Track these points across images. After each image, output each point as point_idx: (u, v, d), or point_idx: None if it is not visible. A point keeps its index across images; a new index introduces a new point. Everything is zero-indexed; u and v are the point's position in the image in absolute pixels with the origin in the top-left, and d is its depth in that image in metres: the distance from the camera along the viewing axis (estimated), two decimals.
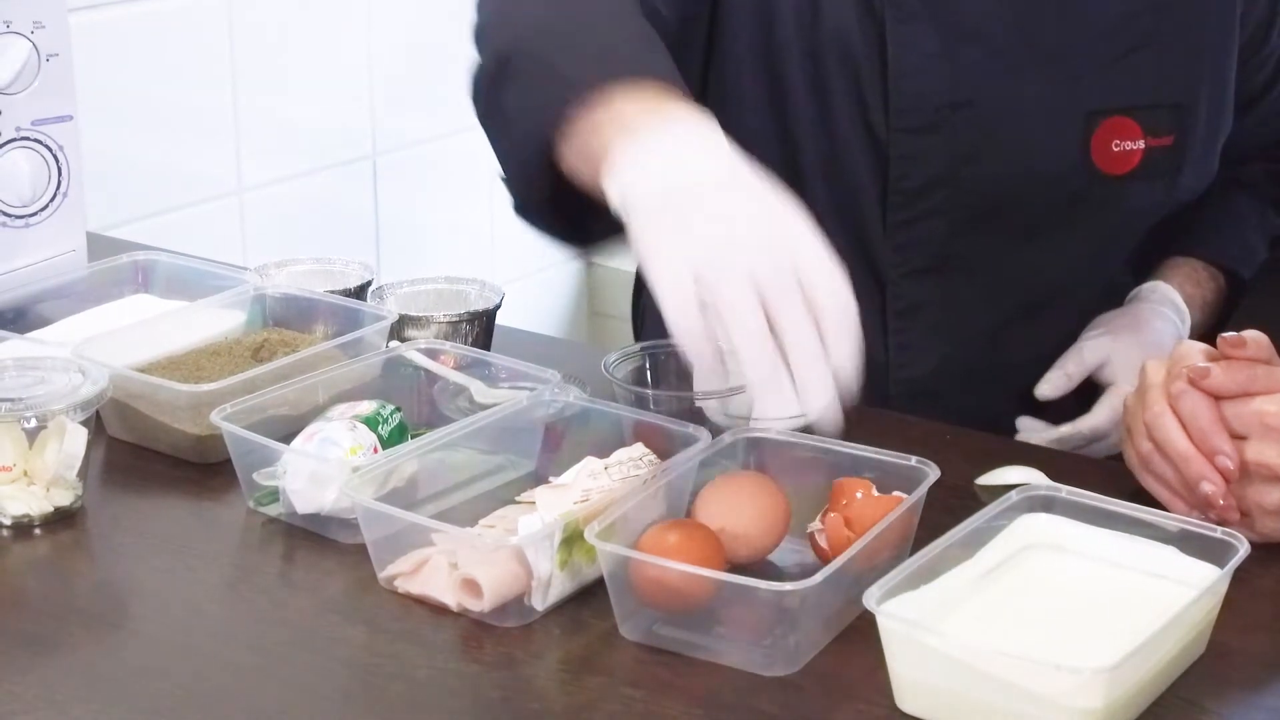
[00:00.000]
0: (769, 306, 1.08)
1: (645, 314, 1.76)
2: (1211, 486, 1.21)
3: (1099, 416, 1.52)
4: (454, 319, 1.51)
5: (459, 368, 1.41)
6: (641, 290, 1.79)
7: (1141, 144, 1.55)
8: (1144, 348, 1.53)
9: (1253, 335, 1.24)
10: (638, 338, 1.78)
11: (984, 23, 1.51)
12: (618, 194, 1.17)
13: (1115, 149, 1.55)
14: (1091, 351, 1.55)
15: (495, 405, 1.34)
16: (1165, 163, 1.56)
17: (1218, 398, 1.23)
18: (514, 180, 1.38)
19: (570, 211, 1.33)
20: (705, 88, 1.56)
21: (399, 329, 1.50)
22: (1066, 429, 1.52)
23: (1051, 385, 1.55)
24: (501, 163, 1.39)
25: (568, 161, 1.26)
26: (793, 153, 1.55)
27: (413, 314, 1.51)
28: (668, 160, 1.16)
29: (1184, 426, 1.23)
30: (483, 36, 1.41)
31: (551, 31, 1.34)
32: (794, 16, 1.52)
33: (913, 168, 1.53)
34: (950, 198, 1.53)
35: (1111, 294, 1.62)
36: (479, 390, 1.39)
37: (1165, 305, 1.59)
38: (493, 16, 1.42)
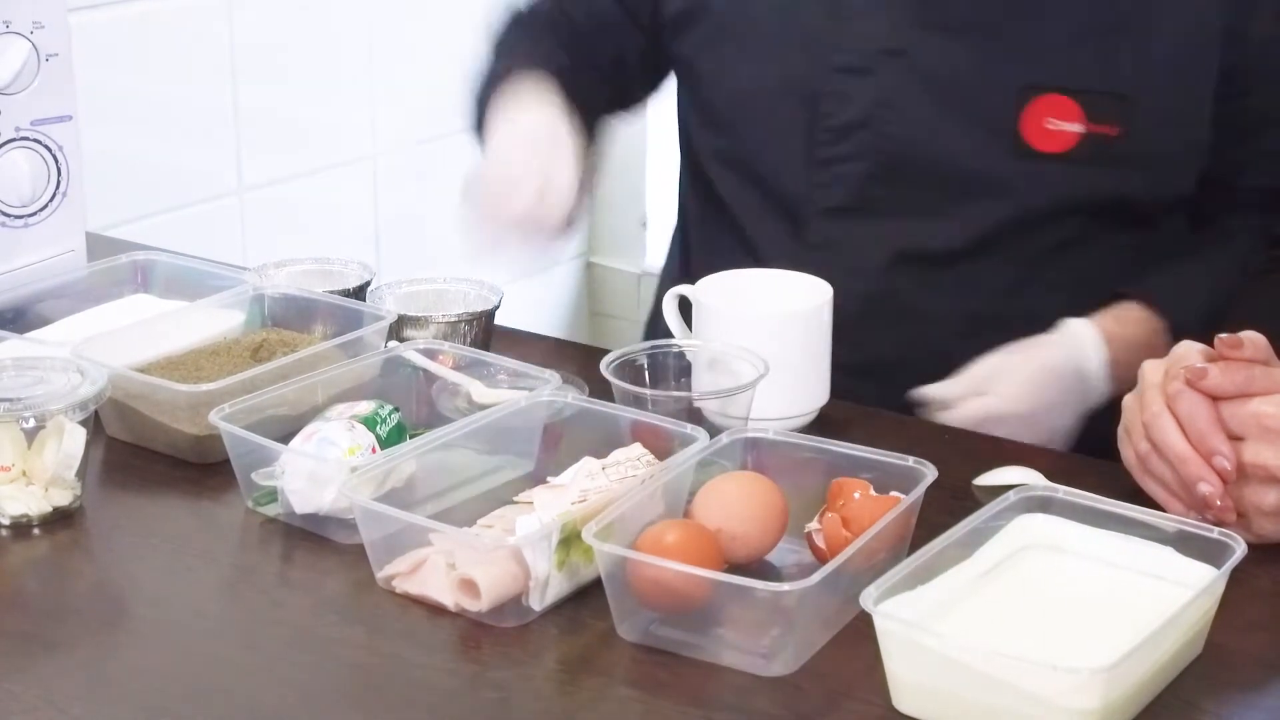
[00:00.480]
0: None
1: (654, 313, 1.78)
2: (1209, 487, 1.21)
3: (949, 386, 1.50)
4: (453, 319, 1.51)
5: (458, 368, 1.41)
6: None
7: (1080, 128, 1.55)
8: (1029, 365, 1.50)
9: (1250, 336, 1.24)
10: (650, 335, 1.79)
11: None
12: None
13: (1049, 127, 1.55)
14: (977, 365, 1.52)
15: (494, 405, 1.35)
16: (1107, 153, 1.55)
17: (1215, 399, 1.23)
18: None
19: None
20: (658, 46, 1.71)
21: (398, 329, 1.50)
22: (924, 390, 1.51)
23: (923, 392, 1.53)
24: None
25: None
26: (726, 88, 1.65)
27: (412, 314, 1.51)
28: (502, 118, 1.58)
29: (1181, 427, 1.23)
30: None
31: (487, 60, 1.72)
32: None
33: (840, 107, 1.58)
34: (873, 142, 1.57)
35: (1034, 319, 1.56)
36: (478, 390, 1.39)
37: (1069, 338, 1.54)
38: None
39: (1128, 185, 1.57)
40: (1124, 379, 1.46)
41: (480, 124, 1.68)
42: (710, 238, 1.70)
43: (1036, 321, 1.53)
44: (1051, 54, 1.55)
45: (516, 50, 1.70)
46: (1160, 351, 1.36)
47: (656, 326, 1.77)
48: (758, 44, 1.63)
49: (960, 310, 1.58)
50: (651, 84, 1.77)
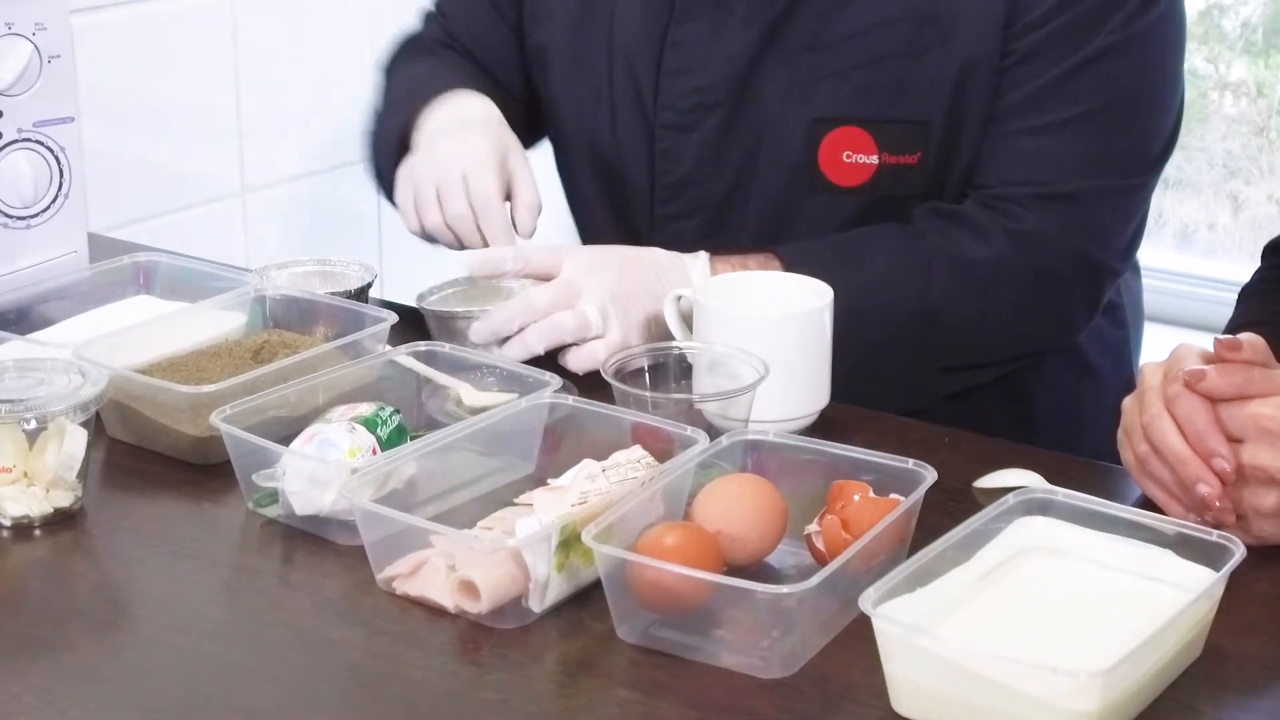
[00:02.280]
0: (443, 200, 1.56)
1: None
2: (1208, 488, 1.21)
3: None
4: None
5: (456, 369, 1.41)
6: None
7: (875, 159, 1.55)
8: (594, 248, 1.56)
9: (1249, 338, 1.24)
10: None
11: (748, 22, 1.56)
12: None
13: (847, 160, 1.55)
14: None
15: (484, 409, 1.35)
16: (904, 180, 1.55)
17: (1214, 400, 1.23)
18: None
19: None
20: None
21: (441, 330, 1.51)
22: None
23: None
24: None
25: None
26: (582, 146, 1.68)
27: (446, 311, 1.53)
28: (431, 125, 1.63)
29: (1180, 429, 1.23)
30: None
31: (371, 123, 1.79)
32: (594, 18, 1.64)
33: (673, 164, 1.61)
34: (700, 197, 1.60)
35: None
36: (468, 393, 1.39)
37: (694, 260, 1.53)
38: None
39: (918, 203, 1.57)
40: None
41: (382, 162, 1.71)
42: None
43: None
44: (845, 85, 1.54)
45: (431, 75, 1.71)
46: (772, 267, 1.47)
47: None
48: (596, 91, 1.66)
49: None
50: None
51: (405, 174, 1.61)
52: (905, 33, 1.53)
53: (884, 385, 1.53)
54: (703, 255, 1.54)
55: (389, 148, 1.69)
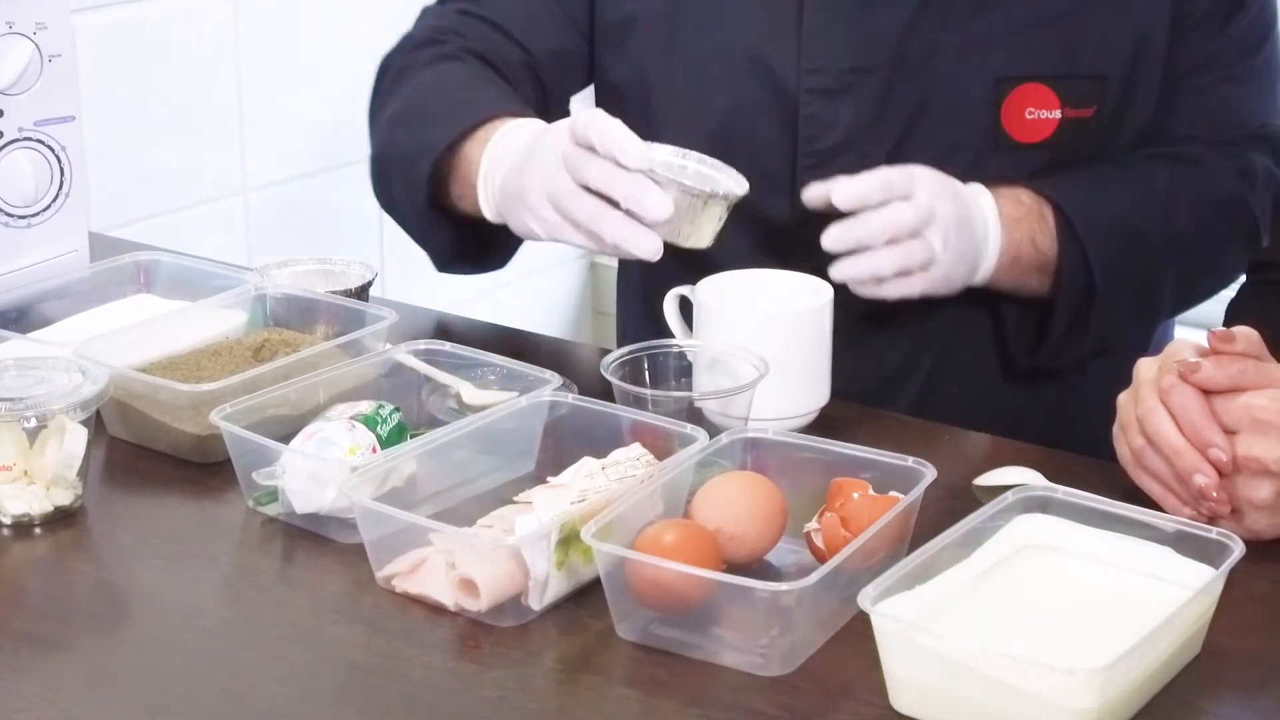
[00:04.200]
0: (583, 181, 1.37)
1: (628, 312, 1.77)
2: (1204, 479, 1.21)
3: (861, 182, 1.45)
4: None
5: (457, 368, 1.42)
6: (623, 290, 1.79)
7: (1058, 114, 1.55)
8: (938, 174, 1.49)
9: (1243, 331, 1.24)
10: (621, 335, 1.79)
11: None
12: (497, 181, 1.48)
13: (1029, 116, 1.55)
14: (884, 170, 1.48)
15: (484, 407, 1.35)
16: (1082, 135, 1.56)
17: (1208, 392, 1.23)
18: (425, 245, 1.65)
19: (480, 244, 1.62)
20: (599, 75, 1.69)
21: None
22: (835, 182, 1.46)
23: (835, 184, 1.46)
24: (412, 238, 1.65)
25: (454, 206, 1.57)
26: (699, 116, 1.60)
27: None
28: (514, 150, 1.47)
29: (1175, 421, 1.23)
30: (369, 136, 1.71)
31: (405, 119, 1.62)
32: None
33: (822, 130, 1.57)
34: (857, 162, 1.54)
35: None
36: (468, 392, 1.40)
37: (980, 195, 1.53)
38: (369, 117, 1.72)
39: (1096, 158, 1.58)
40: (1010, 228, 1.52)
41: (411, 170, 1.57)
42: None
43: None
44: (1025, 42, 1.54)
45: (453, 108, 1.58)
46: (1044, 221, 1.50)
47: (626, 331, 1.77)
48: (708, 62, 1.61)
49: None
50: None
51: (524, 209, 1.44)
52: None
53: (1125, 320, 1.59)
54: (984, 190, 1.52)
55: (426, 152, 1.56)
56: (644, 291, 1.69)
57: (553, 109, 1.67)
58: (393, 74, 1.69)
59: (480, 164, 1.51)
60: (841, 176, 1.46)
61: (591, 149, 1.37)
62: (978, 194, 1.53)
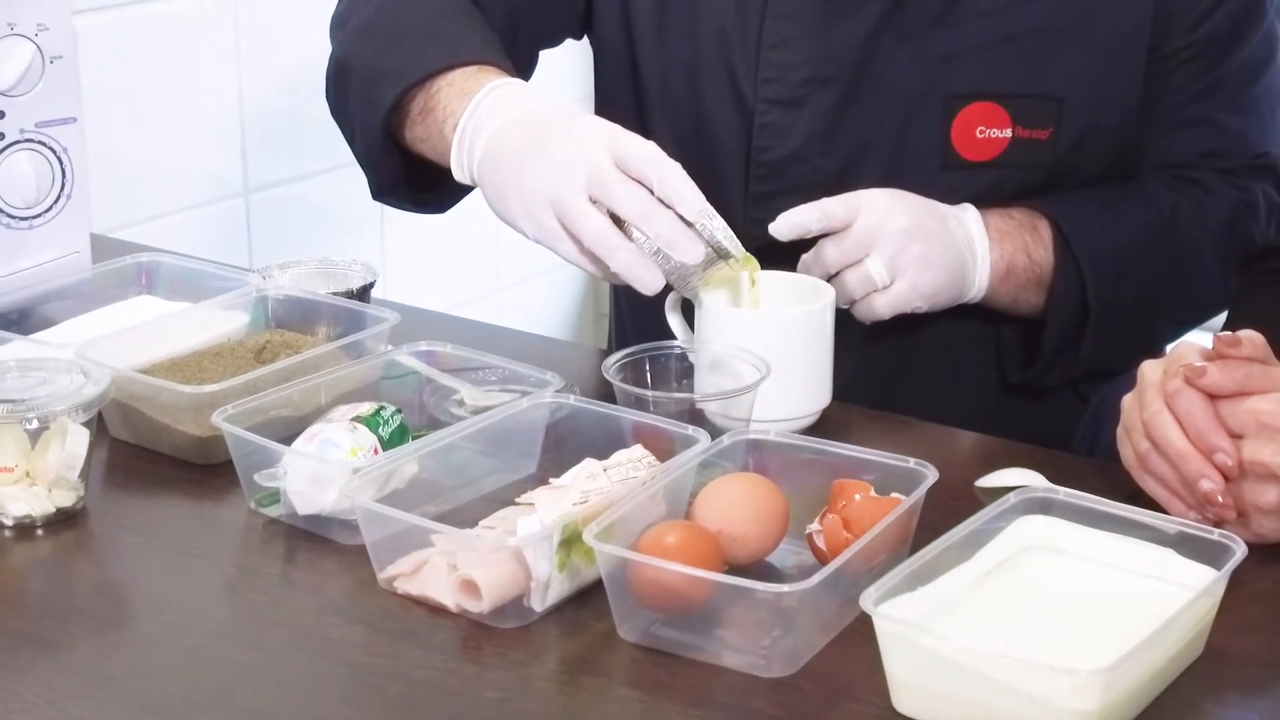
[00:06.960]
0: (609, 204, 1.33)
1: (624, 314, 1.76)
2: (1210, 484, 1.21)
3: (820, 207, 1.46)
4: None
5: (459, 369, 1.42)
6: (619, 291, 1.79)
7: (1009, 133, 1.55)
8: (896, 193, 1.49)
9: (1248, 335, 1.24)
10: (616, 338, 1.78)
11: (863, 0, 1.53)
12: (480, 147, 1.42)
13: (980, 135, 1.55)
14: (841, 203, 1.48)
15: (486, 409, 1.35)
16: (1034, 157, 1.55)
17: (1214, 397, 1.23)
18: (366, 168, 1.61)
19: (421, 184, 1.58)
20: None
21: None
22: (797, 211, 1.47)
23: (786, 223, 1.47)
24: (355, 154, 1.60)
25: (411, 143, 1.52)
26: (670, 109, 1.60)
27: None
28: (505, 120, 1.41)
29: (1181, 425, 1.23)
30: (331, 39, 1.63)
31: (378, 33, 1.56)
32: None
33: (775, 140, 1.56)
34: (808, 174, 1.55)
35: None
36: (470, 393, 1.40)
37: (964, 211, 1.53)
38: (334, 21, 1.64)
39: (1052, 181, 1.58)
40: (1000, 240, 1.53)
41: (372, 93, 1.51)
42: None
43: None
44: (979, 61, 1.54)
45: (435, 41, 1.52)
46: (1037, 234, 1.50)
47: (621, 328, 1.77)
48: (684, 52, 1.60)
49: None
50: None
51: (517, 200, 1.39)
52: (1040, 12, 1.53)
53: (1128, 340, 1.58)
54: (970, 207, 1.53)
55: (392, 82, 1.50)
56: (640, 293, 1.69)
57: (521, 57, 1.63)
58: None
59: (460, 121, 1.44)
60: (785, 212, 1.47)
61: (625, 170, 1.33)
62: (961, 211, 1.53)
